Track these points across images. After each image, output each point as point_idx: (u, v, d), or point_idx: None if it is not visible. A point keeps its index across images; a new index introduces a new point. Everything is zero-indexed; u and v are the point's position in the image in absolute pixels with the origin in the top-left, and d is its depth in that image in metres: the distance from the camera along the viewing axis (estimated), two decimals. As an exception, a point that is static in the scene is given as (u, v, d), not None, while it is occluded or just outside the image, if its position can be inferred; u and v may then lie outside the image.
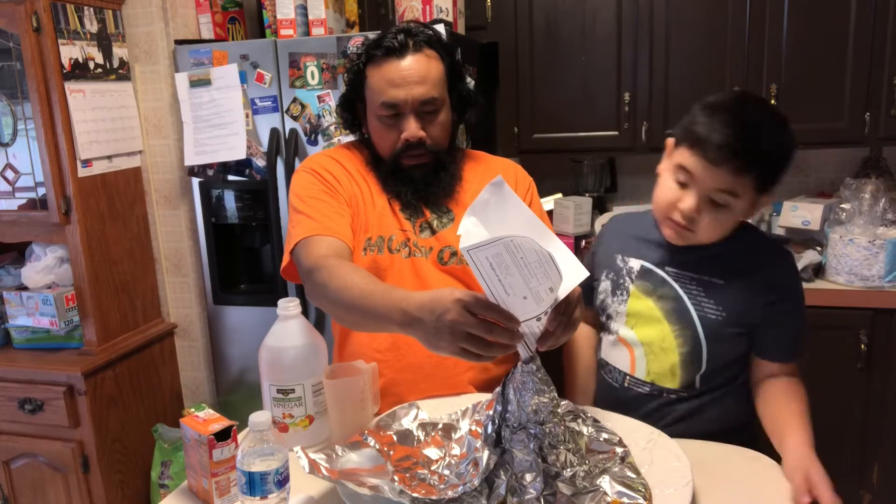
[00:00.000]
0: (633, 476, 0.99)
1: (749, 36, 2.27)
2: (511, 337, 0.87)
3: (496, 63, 2.53)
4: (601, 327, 1.38)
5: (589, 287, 1.38)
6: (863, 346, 2.10)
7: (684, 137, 1.17)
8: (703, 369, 1.24)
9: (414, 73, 1.27)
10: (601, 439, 1.07)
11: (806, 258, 2.18)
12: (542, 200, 2.65)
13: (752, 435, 1.28)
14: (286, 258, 1.31)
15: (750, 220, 1.29)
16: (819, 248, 2.24)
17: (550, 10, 2.44)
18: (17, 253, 2.45)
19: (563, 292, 0.89)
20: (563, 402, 1.09)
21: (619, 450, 1.05)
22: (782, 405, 1.17)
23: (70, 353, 2.24)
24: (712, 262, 1.22)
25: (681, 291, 1.23)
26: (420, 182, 1.34)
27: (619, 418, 1.18)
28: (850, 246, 2.10)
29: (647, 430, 1.14)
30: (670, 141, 1.22)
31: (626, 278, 1.29)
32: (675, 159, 1.18)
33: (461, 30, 2.37)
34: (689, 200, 1.15)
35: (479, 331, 0.86)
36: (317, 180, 1.34)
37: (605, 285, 1.34)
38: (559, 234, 2.49)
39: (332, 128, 2.17)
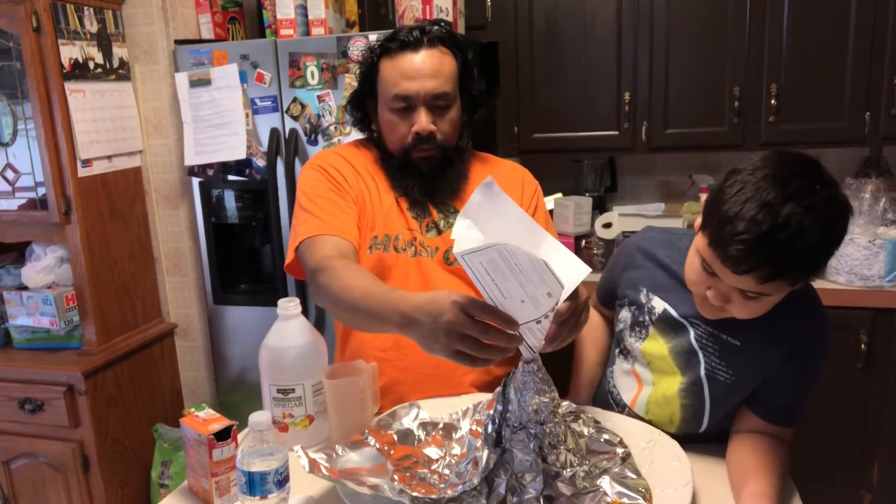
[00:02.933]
0: (634, 476, 0.99)
1: (749, 36, 2.27)
2: (508, 339, 0.87)
3: (496, 63, 2.53)
4: (616, 349, 1.32)
5: (612, 289, 1.33)
6: (863, 346, 2.09)
7: (706, 225, 1.02)
8: (705, 421, 1.17)
9: (427, 66, 1.28)
10: (601, 440, 1.07)
11: (806, 258, 2.18)
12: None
13: None
14: (290, 255, 1.31)
15: None
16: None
17: (550, 10, 2.44)
18: (17, 253, 2.45)
19: (564, 295, 0.88)
20: (563, 403, 1.09)
21: (619, 450, 1.05)
22: (750, 455, 1.06)
23: (70, 352, 2.24)
24: (737, 322, 1.09)
25: (696, 345, 1.15)
26: (428, 176, 1.34)
27: (619, 418, 1.18)
28: (851, 246, 2.10)
29: (647, 431, 1.14)
30: (698, 222, 1.07)
31: (647, 317, 1.22)
32: (698, 243, 1.05)
33: (461, 30, 2.37)
34: (713, 292, 1.04)
35: (475, 332, 0.85)
36: (324, 178, 1.35)
37: (625, 316, 1.27)
38: (559, 235, 2.50)
39: (332, 128, 2.17)
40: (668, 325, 1.18)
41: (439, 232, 1.36)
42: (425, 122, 1.29)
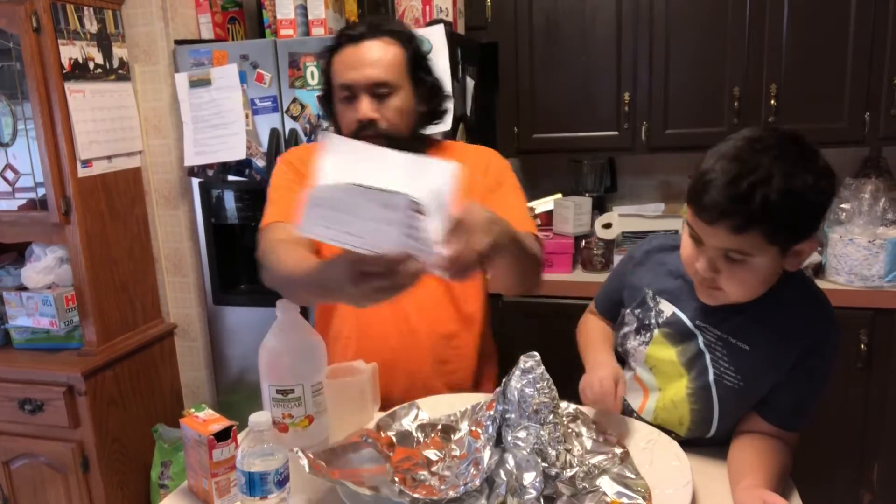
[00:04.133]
0: (633, 476, 0.99)
1: (749, 36, 2.27)
2: (395, 263, 0.87)
3: (496, 63, 2.53)
4: (619, 353, 1.30)
5: (615, 294, 1.32)
6: (863, 346, 2.09)
7: (688, 191, 1.05)
8: (714, 424, 1.16)
9: (367, 56, 1.33)
10: (601, 440, 1.07)
11: (806, 258, 2.18)
12: (542, 200, 2.66)
13: None
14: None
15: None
16: (819, 248, 2.24)
17: (550, 11, 2.44)
18: (16, 253, 2.45)
19: (423, 191, 0.87)
20: (563, 403, 1.09)
21: (618, 450, 1.05)
22: (751, 454, 1.05)
23: (70, 353, 2.24)
24: (746, 326, 1.10)
25: (704, 349, 1.13)
26: None
27: (619, 419, 1.18)
28: (850, 246, 2.10)
29: (647, 430, 1.14)
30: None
31: (654, 321, 1.20)
32: (686, 216, 1.08)
33: (461, 30, 2.37)
34: (701, 260, 1.05)
35: (372, 265, 0.88)
36: (288, 170, 1.43)
37: (630, 319, 1.25)
38: (559, 235, 2.50)
39: (331, 128, 2.17)
40: (675, 331, 1.17)
41: None
42: (364, 109, 1.33)
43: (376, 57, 1.33)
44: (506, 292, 1.30)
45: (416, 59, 1.38)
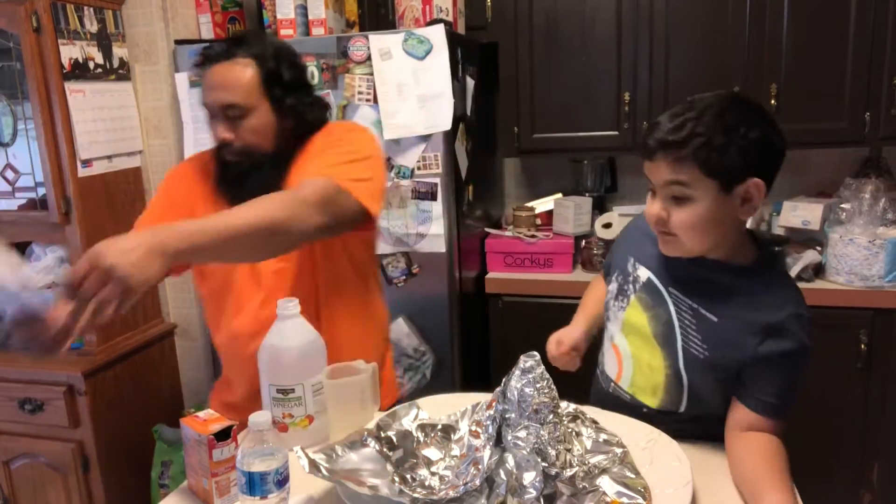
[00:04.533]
0: (633, 476, 0.99)
1: (749, 36, 2.27)
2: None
3: (496, 63, 2.53)
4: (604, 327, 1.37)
5: (609, 264, 1.40)
6: (863, 346, 2.10)
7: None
8: (685, 397, 1.18)
9: (219, 79, 1.34)
10: (601, 440, 1.07)
11: (806, 258, 2.18)
12: (542, 200, 2.66)
13: None
14: None
15: (749, 220, 1.20)
16: (819, 248, 2.24)
17: (550, 11, 2.44)
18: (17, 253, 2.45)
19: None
20: (563, 403, 1.09)
21: (618, 450, 1.05)
22: (759, 462, 1.05)
23: (70, 353, 2.23)
24: (716, 295, 1.14)
25: (674, 317, 1.18)
26: (234, 179, 1.38)
27: (619, 418, 1.18)
28: (850, 246, 2.10)
29: (647, 430, 1.14)
30: None
31: (631, 286, 1.25)
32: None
33: (461, 30, 2.37)
34: (655, 203, 1.12)
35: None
36: (164, 183, 1.51)
37: (612, 286, 1.32)
38: (559, 234, 2.50)
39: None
40: (649, 295, 1.22)
41: None
42: (219, 132, 1.35)
43: (226, 81, 1.33)
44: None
45: (273, 77, 1.35)
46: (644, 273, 1.24)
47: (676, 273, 1.19)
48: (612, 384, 1.28)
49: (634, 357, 1.24)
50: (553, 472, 0.94)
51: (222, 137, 1.35)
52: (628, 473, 1.00)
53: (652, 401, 1.22)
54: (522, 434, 0.95)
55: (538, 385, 0.96)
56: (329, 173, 1.26)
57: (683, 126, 1.05)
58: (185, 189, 1.46)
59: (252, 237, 1.11)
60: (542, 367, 0.98)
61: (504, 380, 0.99)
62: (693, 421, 1.19)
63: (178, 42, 2.30)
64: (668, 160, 1.07)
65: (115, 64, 2.28)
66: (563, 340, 1.33)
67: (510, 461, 0.94)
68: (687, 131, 1.05)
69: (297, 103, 1.39)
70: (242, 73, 1.34)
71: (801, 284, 2.13)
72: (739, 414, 1.13)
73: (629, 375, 1.25)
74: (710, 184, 1.06)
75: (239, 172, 1.37)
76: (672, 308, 1.18)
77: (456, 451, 1.08)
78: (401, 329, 2.23)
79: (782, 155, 1.13)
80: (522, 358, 0.99)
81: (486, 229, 2.57)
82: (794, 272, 2.17)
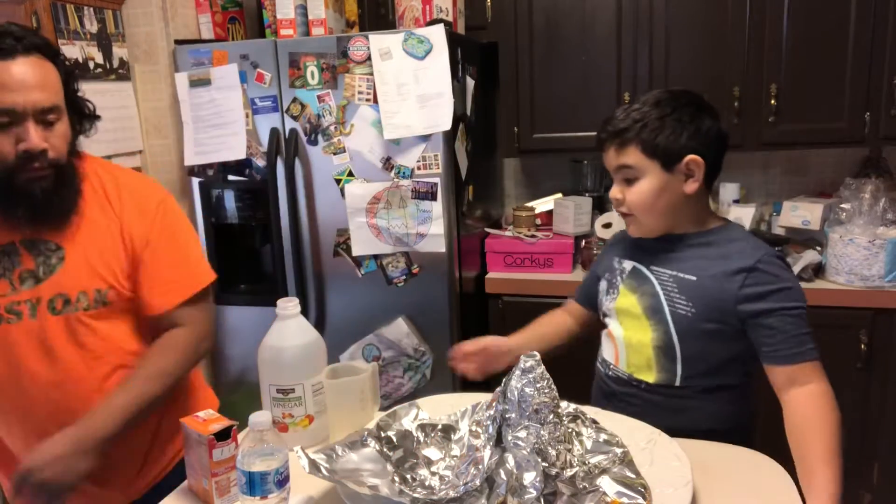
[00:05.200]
0: (633, 476, 0.99)
1: (749, 36, 2.27)
2: None
3: (496, 63, 2.53)
4: (603, 325, 1.43)
5: (593, 280, 1.48)
6: (863, 346, 2.10)
7: None
8: (679, 366, 1.26)
9: (31, 77, 1.12)
10: (601, 440, 1.07)
11: (806, 258, 2.18)
12: (542, 200, 2.66)
13: (747, 437, 1.27)
14: None
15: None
16: (819, 248, 2.24)
17: (550, 10, 2.44)
18: (16, 253, 2.45)
19: None
20: (563, 403, 1.09)
21: (618, 450, 1.05)
22: (805, 436, 1.11)
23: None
24: (691, 260, 1.27)
25: (658, 288, 1.29)
26: (40, 201, 1.17)
27: (618, 418, 1.18)
28: (850, 246, 2.10)
29: (647, 431, 1.14)
30: None
31: (618, 278, 1.37)
32: None
33: (461, 30, 2.37)
34: (612, 190, 1.30)
35: None
36: None
37: (603, 285, 1.42)
38: (559, 235, 2.50)
39: (332, 128, 2.17)
40: (634, 279, 1.33)
41: (38, 281, 1.20)
42: (36, 139, 1.13)
43: (41, 79, 1.13)
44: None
45: (70, 78, 1.21)
46: (629, 264, 1.36)
47: (654, 254, 1.32)
48: (612, 367, 1.36)
49: (626, 338, 1.33)
50: (553, 472, 0.94)
51: (40, 146, 1.13)
52: (628, 473, 1.00)
53: (648, 375, 1.30)
54: (523, 434, 0.95)
55: (538, 385, 0.96)
56: (196, 283, 1.32)
57: (627, 116, 1.25)
58: None
59: (158, 399, 1.23)
60: (543, 367, 0.98)
61: (504, 380, 1.00)
62: (691, 397, 1.27)
63: (178, 42, 2.30)
64: (615, 147, 1.26)
65: (115, 64, 2.28)
66: (481, 342, 1.39)
67: (510, 461, 0.94)
68: (630, 120, 1.24)
69: (85, 107, 1.26)
70: (51, 72, 1.16)
71: (801, 284, 2.15)
72: (775, 375, 1.19)
73: (624, 356, 1.33)
74: (652, 163, 1.23)
75: (44, 189, 1.16)
76: (655, 281, 1.30)
77: (456, 451, 1.08)
78: (401, 329, 2.23)
79: (721, 137, 1.26)
80: (522, 358, 0.99)
81: (486, 229, 2.57)
82: (794, 272, 2.17)
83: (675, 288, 1.26)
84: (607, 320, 1.40)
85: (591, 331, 1.51)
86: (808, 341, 1.19)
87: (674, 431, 1.15)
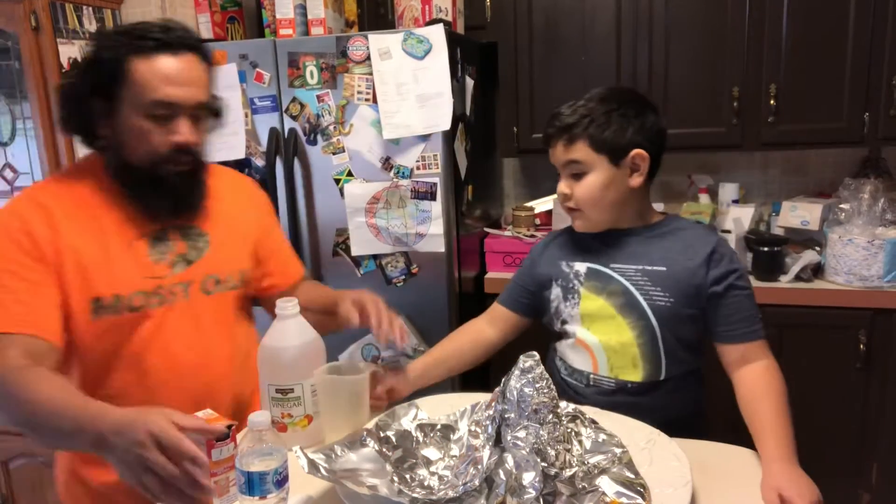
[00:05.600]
0: (632, 476, 0.99)
1: (749, 36, 2.27)
2: (191, 486, 0.83)
3: (496, 63, 2.53)
4: (559, 335, 1.40)
5: (524, 282, 1.46)
6: (862, 346, 2.10)
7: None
8: (663, 358, 1.28)
9: (192, 73, 1.17)
10: (600, 440, 1.07)
11: (805, 258, 2.19)
12: (542, 200, 2.66)
13: (705, 421, 1.36)
14: None
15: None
16: (818, 248, 2.24)
17: (550, 10, 2.44)
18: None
19: None
20: (562, 403, 1.09)
21: (618, 450, 1.05)
22: (756, 406, 1.18)
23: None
24: (651, 252, 1.30)
25: (628, 284, 1.29)
26: (182, 192, 1.23)
27: (618, 418, 1.18)
28: (849, 246, 2.10)
29: (646, 431, 1.14)
30: None
31: (575, 282, 1.35)
32: None
33: (461, 30, 2.37)
34: (559, 185, 1.32)
35: (160, 469, 0.82)
36: (8, 247, 1.12)
37: (556, 292, 1.38)
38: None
39: (331, 127, 2.17)
40: (596, 279, 1.32)
41: (189, 263, 1.26)
42: (189, 133, 1.17)
43: (199, 76, 1.18)
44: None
45: (211, 74, 1.24)
46: (581, 266, 1.35)
47: (608, 251, 1.33)
48: (591, 377, 1.33)
49: (603, 342, 1.31)
50: (552, 472, 0.94)
51: (192, 141, 1.19)
52: (628, 473, 1.00)
53: (635, 374, 1.29)
54: (522, 434, 0.95)
55: (537, 385, 0.96)
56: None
57: (574, 112, 1.27)
58: (52, 237, 1.15)
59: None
60: (542, 366, 0.98)
61: (503, 380, 0.99)
62: (673, 390, 1.29)
63: (178, 41, 2.29)
64: (563, 142, 1.28)
65: (114, 63, 2.28)
66: (387, 383, 1.31)
67: (509, 461, 0.94)
68: (577, 116, 1.26)
69: (219, 109, 1.30)
70: (202, 68, 1.20)
71: (800, 285, 2.16)
72: (729, 354, 1.27)
73: (604, 361, 1.32)
74: (599, 158, 1.26)
75: (184, 181, 1.22)
76: (622, 279, 1.30)
77: (455, 451, 1.08)
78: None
79: (662, 133, 1.30)
80: (522, 358, 0.99)
81: (486, 229, 2.57)
82: (793, 272, 2.17)
83: (647, 281, 1.28)
84: (567, 328, 1.36)
85: (512, 339, 1.48)
86: (758, 320, 1.27)
87: (659, 425, 1.15)
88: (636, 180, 1.28)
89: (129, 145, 1.17)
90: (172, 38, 1.15)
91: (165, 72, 1.14)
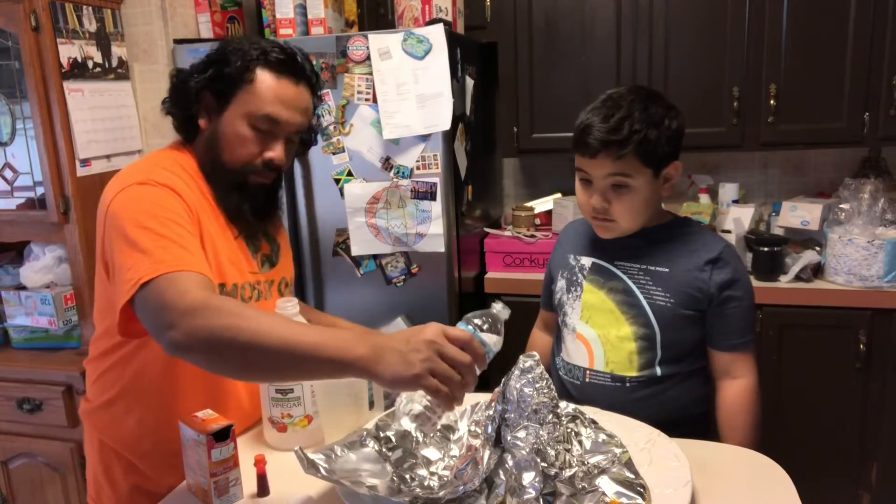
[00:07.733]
0: (632, 476, 0.99)
1: (749, 36, 2.27)
2: (460, 388, 0.88)
3: (496, 63, 2.53)
4: (560, 325, 1.43)
5: (549, 283, 1.51)
6: (861, 346, 2.10)
7: (572, 142, 1.32)
8: (659, 356, 1.29)
9: (300, 101, 1.25)
10: (600, 440, 1.07)
11: (805, 258, 2.19)
12: (541, 200, 2.67)
13: (707, 422, 1.37)
14: (124, 298, 1.02)
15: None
16: (818, 249, 2.24)
17: (550, 10, 2.44)
18: (15, 252, 2.44)
19: None
20: (562, 403, 1.09)
21: (617, 450, 1.05)
22: (731, 423, 1.29)
23: (68, 352, 2.23)
24: (656, 253, 1.32)
25: (630, 282, 1.31)
26: (262, 202, 1.29)
27: (618, 418, 1.18)
28: (849, 246, 2.10)
29: (646, 431, 1.14)
30: None
31: (579, 275, 1.38)
32: (575, 164, 1.33)
33: (461, 30, 2.37)
34: (595, 195, 1.29)
35: (454, 353, 0.87)
36: (177, 200, 1.13)
37: (561, 283, 1.42)
38: (558, 234, 2.49)
39: (331, 127, 2.17)
40: (598, 275, 1.35)
41: (272, 265, 1.36)
42: (282, 154, 1.24)
43: (306, 105, 1.27)
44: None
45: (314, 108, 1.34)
46: (587, 260, 1.38)
47: (614, 249, 1.35)
48: (588, 372, 1.34)
49: (601, 336, 1.33)
50: (552, 472, 0.94)
51: (282, 161, 1.25)
52: (627, 473, 1.00)
53: (630, 370, 1.31)
54: (522, 434, 0.95)
55: (537, 385, 0.96)
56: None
57: (621, 126, 1.22)
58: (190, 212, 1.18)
59: None
60: (542, 367, 0.98)
61: (503, 380, 0.99)
62: (676, 389, 1.31)
63: (177, 41, 2.30)
64: (612, 157, 1.24)
65: (114, 63, 2.28)
66: None
67: (509, 461, 0.94)
68: (626, 131, 1.22)
69: (307, 140, 1.41)
70: (310, 100, 1.29)
71: (800, 285, 2.16)
72: (716, 360, 1.32)
73: (601, 356, 1.33)
74: (646, 171, 1.25)
75: (265, 195, 1.29)
76: (624, 276, 1.32)
77: (455, 451, 1.08)
78: (400, 329, 2.22)
79: (683, 135, 1.31)
80: (522, 358, 0.99)
81: (486, 229, 2.57)
82: (793, 272, 2.17)
83: (648, 280, 1.30)
84: (568, 319, 1.39)
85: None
86: (749, 332, 1.31)
87: (656, 423, 1.15)
88: (668, 190, 1.31)
89: (225, 146, 1.22)
90: (298, 68, 1.24)
91: (284, 92, 1.21)
